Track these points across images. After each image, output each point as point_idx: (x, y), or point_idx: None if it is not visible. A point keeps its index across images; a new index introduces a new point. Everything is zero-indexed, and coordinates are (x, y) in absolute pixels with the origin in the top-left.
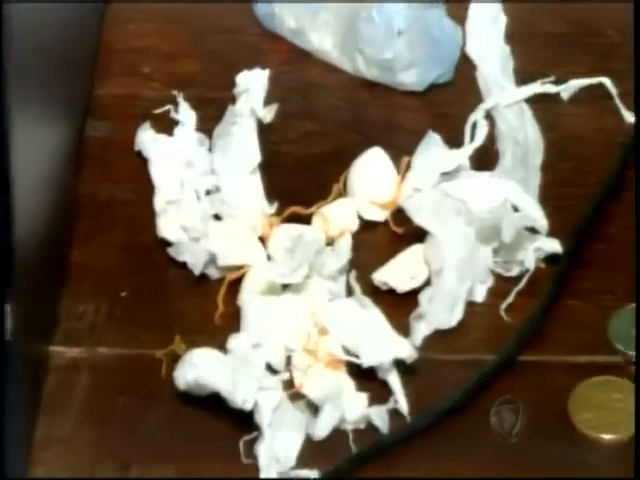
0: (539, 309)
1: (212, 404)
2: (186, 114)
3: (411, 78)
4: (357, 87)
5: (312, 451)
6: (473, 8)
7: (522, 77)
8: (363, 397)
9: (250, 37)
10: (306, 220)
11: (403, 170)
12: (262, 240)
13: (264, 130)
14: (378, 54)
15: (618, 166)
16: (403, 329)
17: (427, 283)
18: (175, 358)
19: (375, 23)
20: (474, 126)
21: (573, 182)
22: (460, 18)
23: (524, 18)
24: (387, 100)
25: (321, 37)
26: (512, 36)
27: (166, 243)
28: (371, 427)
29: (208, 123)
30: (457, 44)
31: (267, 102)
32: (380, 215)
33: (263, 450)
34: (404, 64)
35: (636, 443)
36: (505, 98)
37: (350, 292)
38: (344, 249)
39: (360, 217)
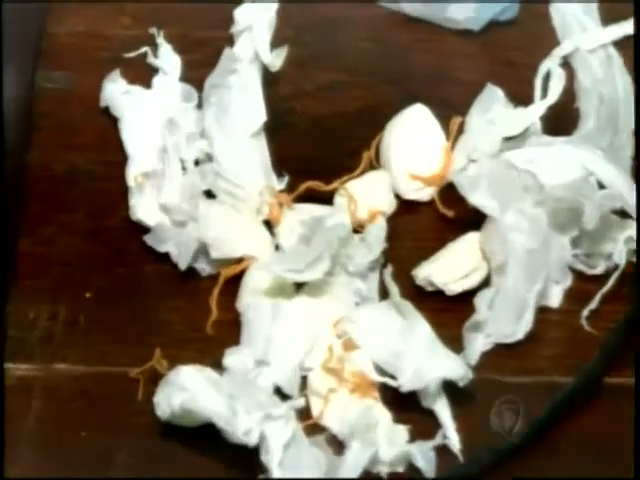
0: (630, 317)
1: (203, 438)
2: (168, 59)
3: (465, 13)
4: (394, 25)
5: None
6: None
7: (610, 14)
8: (402, 431)
9: None
10: (327, 199)
11: (454, 134)
12: (269, 225)
13: (271, 81)
14: None
15: None
16: (454, 342)
17: (486, 283)
18: (155, 378)
19: None
20: (547, 77)
21: None
22: None
23: None
24: (433, 42)
25: None
26: None
27: (142, 228)
28: (412, 469)
29: (197, 71)
30: None
31: (275, 44)
32: (424, 193)
33: None
34: None
35: (635, 442)
36: (588, 41)
37: (385, 294)
38: (377, 237)
39: (398, 195)
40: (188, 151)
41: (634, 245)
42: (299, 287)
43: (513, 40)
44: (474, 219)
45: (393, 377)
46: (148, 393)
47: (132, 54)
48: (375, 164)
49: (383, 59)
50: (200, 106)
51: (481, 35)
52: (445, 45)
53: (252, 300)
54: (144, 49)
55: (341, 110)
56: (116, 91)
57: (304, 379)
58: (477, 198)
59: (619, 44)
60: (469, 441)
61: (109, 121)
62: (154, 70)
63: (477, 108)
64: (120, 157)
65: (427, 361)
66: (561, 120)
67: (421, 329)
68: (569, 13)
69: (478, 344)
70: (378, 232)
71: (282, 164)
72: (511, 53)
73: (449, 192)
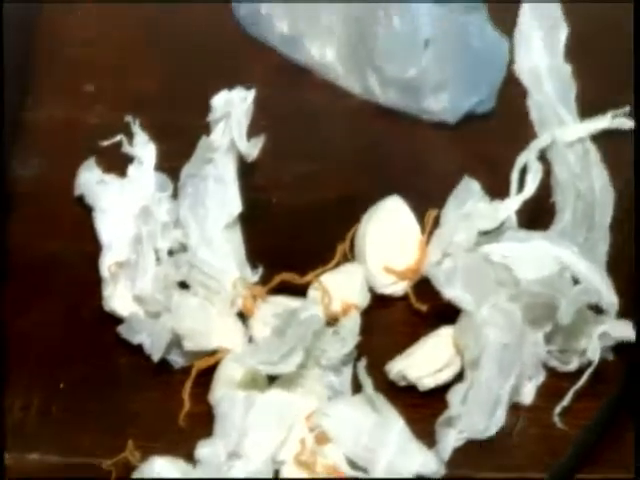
0: (604, 414)
1: None
2: (143, 148)
3: (441, 105)
4: (369, 115)
5: None
6: (524, 12)
7: (587, 107)
8: None
9: (229, 45)
10: (301, 291)
11: (429, 227)
12: (242, 317)
13: (247, 171)
14: (398, 71)
15: None
16: (427, 437)
17: (459, 378)
18: (128, 469)
19: (395, 29)
20: (524, 171)
21: None
22: (507, 25)
23: (591, 28)
24: (409, 133)
25: (322, 47)
26: (575, 51)
27: (116, 319)
28: None
29: (173, 160)
30: (502, 60)
31: (251, 133)
32: (398, 287)
33: None
34: (432, 86)
35: (636, 445)
36: (565, 134)
37: (358, 388)
38: (350, 331)
39: (372, 289)
40: (162, 241)
41: (609, 341)
42: (272, 380)
43: (490, 133)
44: (448, 313)
45: (366, 471)
46: None
47: (107, 142)
48: (350, 257)
49: (359, 150)
50: (175, 196)
51: (458, 127)
52: (421, 137)
53: (225, 392)
54: (119, 137)
55: (316, 202)
56: (91, 180)
57: (277, 472)
58: (452, 292)
59: (596, 138)
60: None
61: (83, 210)
62: (129, 159)
63: (453, 201)
64: (94, 246)
65: (400, 456)
66: (537, 214)
67: (394, 423)
68: (547, 106)
69: (451, 439)
70: (352, 326)
71: (257, 255)
72: (488, 146)
73: (423, 285)
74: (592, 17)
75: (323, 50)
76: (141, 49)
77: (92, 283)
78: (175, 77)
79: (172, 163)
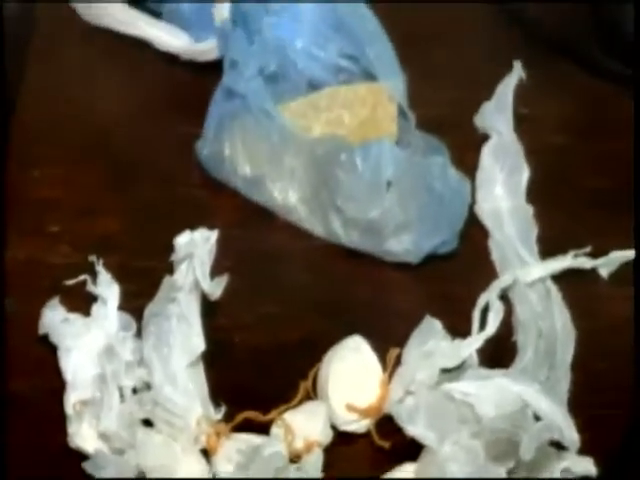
0: None
1: None
2: (107, 287)
3: (403, 246)
4: (332, 256)
5: None
6: (486, 154)
7: (548, 247)
8: None
9: (192, 187)
10: (264, 429)
11: (391, 365)
12: (206, 454)
13: (210, 310)
14: (360, 213)
15: None
16: None
17: None
18: None
19: (357, 171)
20: (485, 310)
21: (613, 385)
22: (469, 167)
23: (552, 169)
24: (371, 274)
25: (285, 189)
26: (536, 192)
27: (81, 455)
28: None
29: (136, 300)
30: (464, 202)
31: (214, 273)
32: (361, 425)
33: None
34: (394, 227)
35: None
36: (526, 274)
37: None
38: (313, 468)
39: (335, 426)
40: (126, 380)
41: (570, 476)
42: None
43: (452, 273)
44: (411, 450)
45: None
46: None
47: (71, 282)
48: (312, 395)
49: (322, 291)
50: (139, 335)
51: (420, 267)
52: (383, 277)
53: None
54: (83, 277)
55: (279, 341)
56: (55, 319)
57: None
58: (415, 429)
59: (557, 278)
60: None
61: (48, 348)
62: (93, 298)
63: (415, 340)
64: (59, 384)
65: None
66: (499, 352)
67: None
68: (508, 247)
69: None
70: (314, 462)
71: (220, 393)
72: (449, 286)
73: (386, 423)
74: (553, 160)
75: (285, 192)
76: (105, 191)
77: (57, 419)
78: (138, 218)
79: (135, 303)
